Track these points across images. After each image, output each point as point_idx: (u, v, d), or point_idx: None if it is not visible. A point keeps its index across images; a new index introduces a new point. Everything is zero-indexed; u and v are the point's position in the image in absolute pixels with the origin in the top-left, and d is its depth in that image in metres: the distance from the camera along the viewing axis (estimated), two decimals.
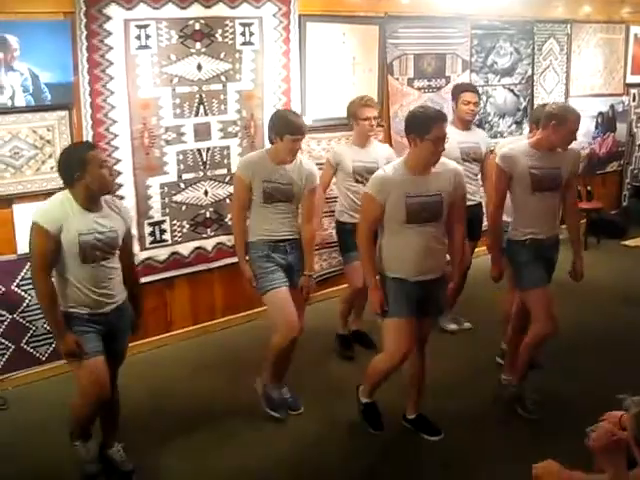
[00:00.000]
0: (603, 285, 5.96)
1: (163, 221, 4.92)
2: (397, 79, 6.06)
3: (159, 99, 4.72)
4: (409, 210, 3.47)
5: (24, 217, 3.81)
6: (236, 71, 5.02)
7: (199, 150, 4.98)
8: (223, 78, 4.97)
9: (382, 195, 3.50)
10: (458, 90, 5.08)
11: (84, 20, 4.27)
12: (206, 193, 5.08)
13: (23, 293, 4.35)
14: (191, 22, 4.74)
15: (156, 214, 4.88)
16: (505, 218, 4.06)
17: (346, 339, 4.96)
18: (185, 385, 4.47)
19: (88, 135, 4.41)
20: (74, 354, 3.17)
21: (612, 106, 8.16)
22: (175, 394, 4.35)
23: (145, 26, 4.55)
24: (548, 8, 7.12)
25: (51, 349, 4.44)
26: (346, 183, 4.70)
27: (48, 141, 4.31)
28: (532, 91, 7.26)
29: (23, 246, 3.97)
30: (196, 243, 5.11)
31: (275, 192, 3.91)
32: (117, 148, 4.59)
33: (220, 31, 4.88)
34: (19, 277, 4.32)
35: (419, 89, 6.21)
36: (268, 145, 4.10)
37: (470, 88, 5.11)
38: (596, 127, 8.05)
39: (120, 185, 4.62)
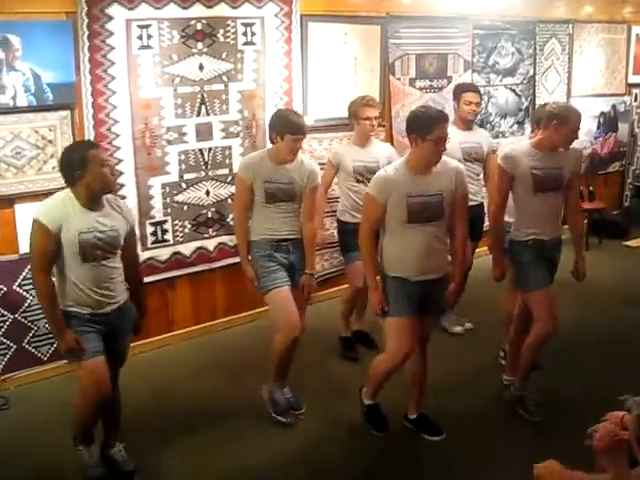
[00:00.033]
0: (605, 285, 5.95)
1: (165, 221, 4.93)
2: (399, 79, 6.05)
3: (161, 99, 4.72)
4: (410, 210, 3.47)
5: (26, 217, 3.81)
6: (238, 71, 5.02)
7: (201, 150, 4.98)
8: (225, 78, 4.97)
9: (383, 195, 3.50)
10: (460, 90, 5.07)
11: (86, 20, 4.28)
12: (208, 193, 5.08)
13: (25, 293, 4.35)
14: (193, 22, 4.74)
15: (158, 214, 4.88)
16: (507, 218, 4.06)
17: (349, 341, 4.96)
18: (187, 385, 4.47)
19: (90, 135, 4.42)
20: (74, 352, 3.17)
21: (614, 106, 8.15)
22: (177, 394, 4.35)
23: (147, 26, 4.55)
24: (550, 8, 7.11)
25: (52, 349, 4.44)
26: (347, 183, 4.70)
27: (50, 141, 4.31)
28: (534, 91, 7.25)
29: (25, 246, 3.97)
30: (198, 243, 5.11)
31: (277, 192, 3.91)
32: (119, 148, 4.60)
33: (222, 31, 4.89)
34: (21, 277, 4.32)
35: (421, 89, 6.21)
36: (270, 145, 4.10)
37: (472, 88, 5.10)
38: (598, 127, 8.05)
39: (122, 185, 4.63)
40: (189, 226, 5.04)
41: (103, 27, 4.36)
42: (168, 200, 4.90)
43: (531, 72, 7.19)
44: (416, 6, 5.90)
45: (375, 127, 4.71)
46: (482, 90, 5.95)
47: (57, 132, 4.33)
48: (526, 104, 7.20)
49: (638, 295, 5.87)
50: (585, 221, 6.60)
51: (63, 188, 3.26)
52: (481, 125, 6.25)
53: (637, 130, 8.55)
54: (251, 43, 5.04)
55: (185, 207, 5.00)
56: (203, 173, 5.03)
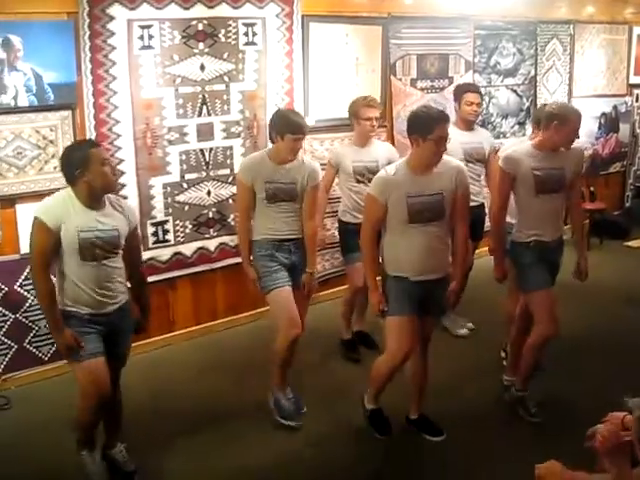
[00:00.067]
0: (606, 286, 5.95)
1: (166, 221, 4.93)
2: (400, 79, 6.05)
3: (162, 99, 4.72)
4: (411, 210, 3.47)
5: (27, 217, 3.81)
6: (239, 71, 5.02)
7: (202, 150, 4.98)
8: (226, 78, 4.97)
9: (384, 196, 3.50)
10: (460, 91, 5.06)
11: (87, 20, 4.28)
12: (209, 193, 5.08)
13: (26, 293, 4.35)
14: (194, 22, 4.74)
15: (159, 214, 4.88)
16: (509, 219, 4.06)
17: (350, 343, 4.95)
18: (188, 385, 4.47)
19: (91, 135, 4.42)
20: (72, 350, 3.17)
21: (615, 107, 8.16)
22: (178, 394, 4.35)
23: (148, 26, 4.55)
24: (551, 9, 7.11)
25: (53, 349, 4.44)
26: (348, 184, 4.70)
27: (51, 141, 4.31)
28: (535, 92, 7.25)
29: (26, 246, 3.94)
30: (199, 243, 5.11)
31: (278, 192, 3.91)
32: (120, 148, 4.60)
33: (223, 31, 4.89)
34: (22, 277, 4.32)
35: (422, 89, 6.21)
36: (271, 145, 4.10)
37: (472, 88, 5.09)
38: (599, 128, 8.05)
39: (123, 185, 4.63)
40: (190, 226, 5.04)
41: (104, 27, 4.36)
42: (169, 200, 4.91)
43: (532, 73, 7.19)
44: (417, 6, 5.90)
45: (375, 128, 4.71)
46: (483, 90, 5.95)
47: (58, 132, 4.33)
48: (527, 105, 7.20)
49: (639, 296, 5.86)
50: (586, 222, 6.60)
51: (64, 188, 3.26)
52: (482, 125, 6.25)
53: (638, 131, 8.56)
54: (252, 43, 5.04)
55: (186, 207, 5.00)
56: (204, 173, 5.03)
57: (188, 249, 5.06)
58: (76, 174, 3.10)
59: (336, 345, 4.94)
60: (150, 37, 4.57)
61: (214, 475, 3.59)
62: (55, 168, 4.19)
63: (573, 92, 7.64)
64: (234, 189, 4.79)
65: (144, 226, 4.78)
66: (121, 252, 3.29)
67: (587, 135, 7.64)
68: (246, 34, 5.00)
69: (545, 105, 4.34)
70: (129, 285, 3.48)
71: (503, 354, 4.66)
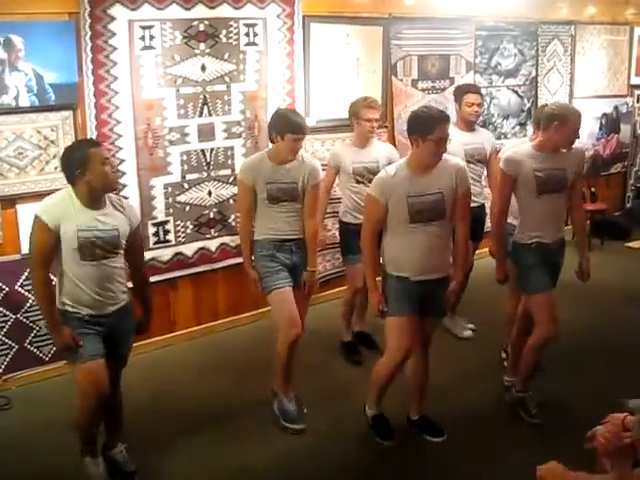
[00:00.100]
0: (607, 287, 5.94)
1: (167, 221, 4.93)
2: (401, 80, 6.05)
3: (163, 100, 4.72)
4: (411, 210, 3.47)
5: (28, 217, 3.80)
6: (240, 72, 5.02)
7: (203, 151, 4.98)
8: (227, 79, 4.97)
9: (384, 196, 3.50)
10: (461, 92, 5.04)
11: (88, 21, 4.28)
12: (210, 194, 5.09)
13: (26, 293, 4.35)
14: (195, 23, 4.74)
15: (160, 214, 4.88)
16: (510, 220, 4.05)
17: (351, 345, 4.93)
18: (188, 386, 4.47)
19: (92, 135, 4.41)
20: (70, 349, 3.17)
21: (616, 107, 8.16)
22: (178, 394, 4.35)
23: (149, 27, 4.55)
24: (552, 9, 7.11)
25: (54, 349, 4.44)
26: (348, 184, 4.70)
27: (52, 141, 4.32)
28: (536, 92, 7.25)
29: (27, 246, 3.97)
30: (200, 244, 5.11)
31: (278, 192, 3.92)
32: (121, 148, 4.60)
33: (224, 32, 4.89)
34: (23, 277, 4.32)
35: (423, 90, 6.21)
36: (271, 146, 4.10)
37: (473, 89, 5.06)
38: (600, 128, 8.05)
39: (124, 185, 4.63)
40: (191, 227, 5.05)
41: (106, 28, 4.36)
42: (170, 200, 4.91)
43: (533, 73, 7.19)
44: (418, 7, 5.90)
45: (375, 129, 4.70)
46: (484, 91, 5.95)
47: (59, 132, 4.33)
48: (528, 105, 7.19)
49: None
50: (587, 222, 6.59)
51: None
52: (483, 126, 6.24)
53: (639, 131, 8.55)
54: (253, 44, 5.04)
55: (187, 207, 5.00)
56: (205, 174, 5.03)
57: (189, 249, 5.07)
58: (76, 174, 3.10)
59: (336, 346, 4.93)
60: (151, 37, 4.57)
61: (215, 475, 3.59)
62: (56, 168, 4.19)
63: (574, 93, 7.63)
64: (235, 189, 4.79)
65: (145, 226, 4.77)
66: (122, 252, 3.28)
67: (588, 136, 7.64)
68: (247, 34, 5.00)
69: (545, 106, 4.32)
70: (132, 285, 3.48)
71: (504, 355, 4.66)
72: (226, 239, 5.20)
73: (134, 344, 3.61)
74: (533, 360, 3.99)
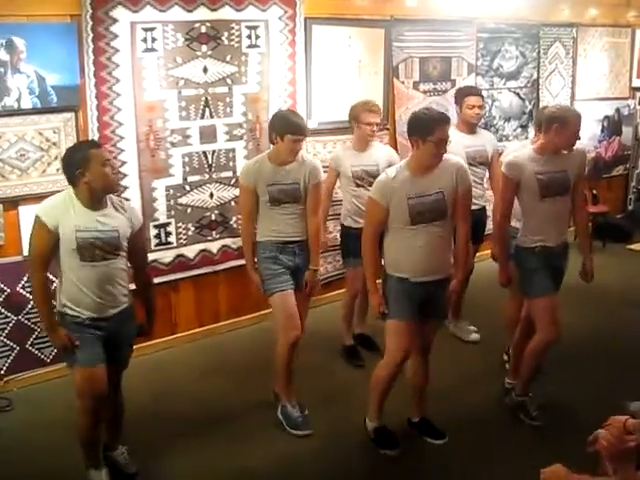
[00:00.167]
0: (609, 289, 5.93)
1: (168, 223, 4.93)
2: (403, 82, 6.06)
3: (165, 102, 4.72)
4: (412, 212, 3.47)
5: (30, 219, 3.81)
6: (242, 74, 5.02)
7: (205, 153, 4.99)
8: (229, 81, 4.98)
9: (385, 199, 3.50)
10: (462, 94, 5.02)
11: (90, 23, 4.29)
12: (211, 196, 5.09)
13: (28, 295, 4.35)
14: (197, 25, 4.74)
15: (161, 216, 4.89)
16: (513, 223, 4.05)
17: (352, 349, 4.92)
18: (190, 388, 4.47)
19: (94, 137, 4.41)
20: (67, 350, 3.17)
21: (618, 110, 8.15)
22: (180, 396, 4.35)
23: (151, 29, 4.56)
24: (554, 12, 7.11)
25: (56, 351, 4.44)
26: (348, 188, 4.69)
27: (54, 143, 4.32)
28: (538, 95, 7.24)
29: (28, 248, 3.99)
30: (201, 245, 5.11)
31: (280, 194, 3.91)
32: (123, 150, 4.60)
33: (226, 34, 4.89)
34: (24, 278, 4.32)
35: (424, 92, 6.21)
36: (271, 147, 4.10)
37: (474, 92, 5.05)
38: (602, 131, 8.04)
39: (126, 187, 4.64)
40: (193, 228, 5.05)
41: (107, 30, 4.37)
42: (172, 202, 4.91)
43: (535, 76, 7.19)
44: (420, 9, 5.90)
45: (375, 133, 4.68)
46: (486, 93, 5.95)
47: (61, 134, 4.34)
48: (530, 108, 7.19)
49: None
50: (590, 224, 6.59)
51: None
52: (485, 128, 6.23)
53: None
54: (255, 46, 5.04)
55: (189, 209, 5.00)
56: (207, 176, 5.03)
57: (191, 251, 5.07)
58: (76, 174, 3.10)
59: (337, 348, 4.93)
60: (153, 40, 4.57)
61: (216, 477, 3.59)
62: (58, 170, 4.19)
63: (576, 95, 7.62)
64: (237, 191, 4.79)
65: (147, 228, 4.78)
66: (123, 254, 3.28)
67: (590, 138, 7.63)
68: (249, 37, 5.00)
69: (545, 108, 4.32)
70: (134, 287, 3.48)
71: (505, 357, 4.65)
72: (227, 241, 5.21)
73: (135, 346, 3.60)
74: (534, 364, 3.99)
